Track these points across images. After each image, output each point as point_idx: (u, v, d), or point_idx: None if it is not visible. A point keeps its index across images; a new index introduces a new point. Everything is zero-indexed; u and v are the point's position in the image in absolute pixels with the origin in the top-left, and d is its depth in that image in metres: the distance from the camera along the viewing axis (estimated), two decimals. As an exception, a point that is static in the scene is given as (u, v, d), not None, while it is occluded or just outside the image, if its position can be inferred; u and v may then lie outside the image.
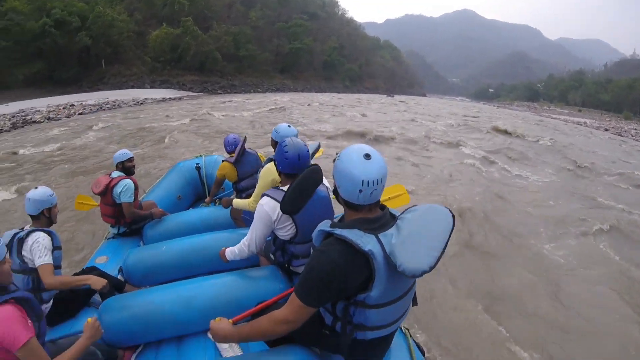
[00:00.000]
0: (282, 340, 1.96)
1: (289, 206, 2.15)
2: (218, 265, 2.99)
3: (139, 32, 51.06)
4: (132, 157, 4.16)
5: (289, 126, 3.37)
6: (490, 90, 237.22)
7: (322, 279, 1.43)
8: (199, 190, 5.44)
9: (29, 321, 1.74)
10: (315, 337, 1.81)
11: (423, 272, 1.35)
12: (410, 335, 2.14)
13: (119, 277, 3.25)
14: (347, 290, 1.47)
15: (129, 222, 4.04)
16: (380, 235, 1.44)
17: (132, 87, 44.19)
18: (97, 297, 2.88)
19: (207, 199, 4.58)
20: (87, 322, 1.97)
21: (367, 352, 1.70)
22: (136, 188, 4.02)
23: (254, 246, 2.44)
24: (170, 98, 37.26)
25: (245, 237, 2.47)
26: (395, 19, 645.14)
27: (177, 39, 51.43)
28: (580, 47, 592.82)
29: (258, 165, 4.16)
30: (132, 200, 3.89)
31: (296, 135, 3.06)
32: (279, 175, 2.54)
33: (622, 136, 36.57)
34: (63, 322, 2.68)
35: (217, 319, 1.79)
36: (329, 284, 1.43)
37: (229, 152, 4.44)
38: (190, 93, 45.08)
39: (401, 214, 1.56)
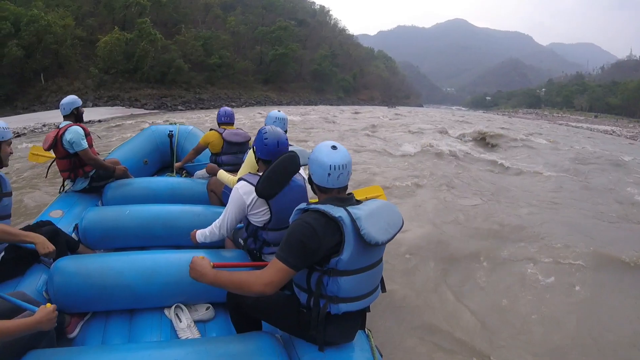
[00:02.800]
0: (247, 327, 2.06)
1: (263, 190, 2.24)
2: (183, 240, 2.82)
3: (91, 40, 42.46)
4: (81, 103, 3.85)
5: (279, 111, 3.41)
6: (487, 98, 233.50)
7: (300, 240, 1.61)
8: (167, 158, 5.20)
9: None
10: (290, 317, 1.86)
11: (377, 242, 1.63)
12: (372, 337, 2.03)
13: (73, 235, 3.04)
14: (321, 251, 1.63)
15: (90, 175, 3.78)
16: (349, 208, 1.69)
17: None
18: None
19: (177, 164, 4.56)
20: (44, 306, 1.73)
21: (339, 328, 1.79)
22: (87, 134, 3.66)
23: (225, 229, 2.46)
24: (111, 118, 29.35)
25: (217, 220, 2.47)
26: (388, 31, 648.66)
27: (132, 45, 42.72)
28: (572, 51, 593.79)
29: (245, 145, 4.09)
30: (87, 147, 3.57)
31: (285, 120, 3.32)
32: (256, 162, 2.52)
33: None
34: (10, 280, 2.39)
35: (201, 256, 1.86)
36: (306, 245, 1.60)
37: (221, 124, 4.33)
38: (144, 111, 36.38)
39: (365, 201, 1.83)
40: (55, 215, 3.26)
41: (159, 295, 2.38)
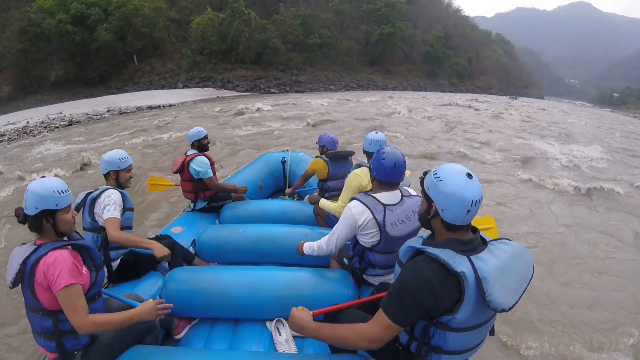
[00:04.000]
0: (343, 349, 2.00)
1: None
2: (290, 258, 3.03)
3: (188, 21, 40.87)
4: (207, 134, 4.20)
5: (377, 132, 3.43)
6: (615, 94, 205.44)
7: (414, 298, 1.44)
8: (280, 183, 5.55)
9: (84, 268, 1.86)
10: (387, 352, 1.75)
11: (503, 310, 1.39)
12: None
13: (191, 249, 3.35)
14: (435, 310, 1.47)
15: (210, 197, 4.20)
16: (473, 257, 1.44)
17: (163, 87, 33.67)
18: (165, 264, 2.95)
19: (288, 190, 4.80)
20: (147, 301, 1.96)
21: None
22: (212, 163, 4.11)
23: (333, 246, 2.46)
24: (193, 101, 26.23)
25: (327, 236, 2.48)
26: (506, 13, 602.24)
27: (226, 26, 40.11)
28: None
29: (349, 169, 3.83)
30: (212, 175, 3.99)
31: (382, 142, 3.30)
32: (371, 181, 2.52)
33: None
34: (128, 281, 2.72)
35: (299, 307, 1.84)
36: (420, 303, 1.44)
37: (322, 152, 4.43)
38: (234, 93, 33.34)
39: (493, 241, 1.57)
40: (175, 230, 3.59)
41: (261, 308, 2.51)
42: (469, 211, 1.46)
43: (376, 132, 3.41)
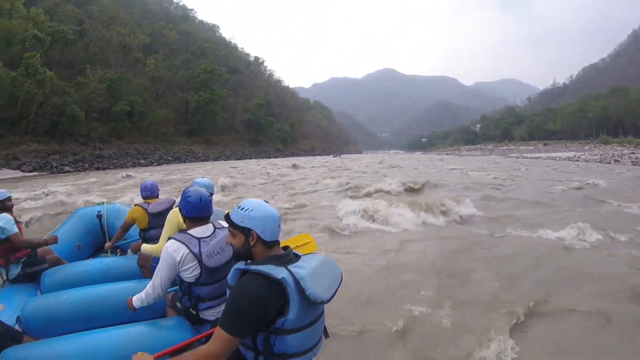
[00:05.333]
0: None
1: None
2: (123, 316, 2.90)
3: None
4: (10, 196, 4.09)
5: (202, 177, 3.72)
6: (423, 139, 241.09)
7: (245, 310, 1.59)
8: (99, 239, 5.29)
9: None
10: None
11: (322, 301, 1.65)
12: None
13: (17, 327, 3.11)
14: (267, 317, 1.62)
15: (23, 262, 3.91)
16: (290, 267, 1.68)
17: None
18: None
19: (108, 244, 4.59)
20: None
21: None
22: (17, 222, 3.89)
23: (159, 289, 2.46)
24: None
25: (151, 281, 2.49)
26: (322, 83, 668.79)
27: (18, 87, 33.49)
28: (495, 88, 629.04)
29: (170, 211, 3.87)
30: (17, 231, 3.76)
31: (211, 186, 3.54)
32: (184, 221, 2.62)
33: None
34: None
35: (139, 353, 1.84)
36: (251, 313, 1.59)
37: (144, 198, 4.37)
38: (18, 174, 27.04)
39: (303, 256, 1.84)
40: None
41: None
42: (279, 225, 1.80)
43: (202, 177, 3.70)
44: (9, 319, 3.11)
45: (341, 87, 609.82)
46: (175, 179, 21.40)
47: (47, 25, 38.68)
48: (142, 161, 38.25)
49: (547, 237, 7.12)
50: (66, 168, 29.76)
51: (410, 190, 13.91)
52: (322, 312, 1.84)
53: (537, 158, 48.00)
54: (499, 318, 3.90)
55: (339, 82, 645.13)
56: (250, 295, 1.60)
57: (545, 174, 21.34)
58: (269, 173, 24.75)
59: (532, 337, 3.61)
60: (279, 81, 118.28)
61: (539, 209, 9.91)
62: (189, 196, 2.54)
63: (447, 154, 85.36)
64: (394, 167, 30.84)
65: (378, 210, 8.80)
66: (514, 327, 3.75)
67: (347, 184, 15.62)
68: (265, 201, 1.82)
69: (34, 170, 28.12)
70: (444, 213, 8.78)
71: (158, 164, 38.80)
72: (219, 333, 1.63)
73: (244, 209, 1.77)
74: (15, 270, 3.87)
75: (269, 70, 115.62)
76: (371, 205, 9.15)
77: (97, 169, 31.80)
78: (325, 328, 1.93)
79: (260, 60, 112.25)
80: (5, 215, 3.75)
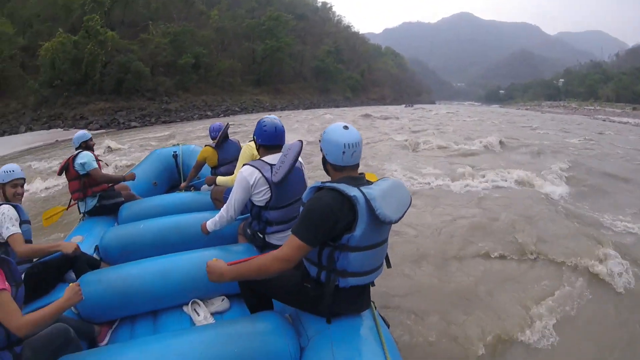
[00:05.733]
0: (260, 308, 2.20)
1: (280, 177, 2.44)
2: (197, 243, 3.00)
3: (38, 48, 33.05)
4: (91, 137, 4.28)
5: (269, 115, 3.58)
6: (501, 91, 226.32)
7: (318, 218, 1.71)
8: (175, 178, 5.50)
9: (6, 283, 1.84)
10: (298, 292, 1.98)
11: (391, 221, 1.74)
12: (376, 308, 2.14)
13: (95, 255, 3.24)
14: (336, 229, 1.73)
15: (99, 195, 4.08)
16: (362, 188, 1.76)
17: (4, 133, 27.03)
18: (71, 274, 2.86)
19: (183, 184, 4.80)
20: (69, 286, 1.97)
21: (346, 301, 1.91)
22: (97, 160, 4.11)
23: (232, 211, 2.63)
24: (20, 151, 19.81)
25: (225, 204, 2.66)
26: (394, 28, 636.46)
27: (80, 50, 33.40)
28: (581, 39, 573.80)
29: (238, 152, 4.08)
30: (97, 167, 4.00)
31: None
32: (257, 150, 2.77)
33: None
34: (36, 299, 2.61)
35: (214, 259, 1.93)
36: (323, 222, 1.70)
37: (213, 139, 4.52)
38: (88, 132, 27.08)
39: (376, 181, 1.93)
40: (75, 240, 3.36)
41: (176, 294, 2.55)
42: (344, 152, 1.82)
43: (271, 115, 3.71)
44: (88, 249, 3.19)
45: (414, 33, 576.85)
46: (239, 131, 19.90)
47: (106, -14, 37.93)
48: (209, 113, 37.89)
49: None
50: (132, 123, 29.71)
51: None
52: (386, 240, 1.92)
53: (625, 123, 40.96)
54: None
55: (411, 27, 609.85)
56: (324, 205, 1.70)
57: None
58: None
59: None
60: (348, 27, 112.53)
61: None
62: (265, 125, 2.65)
63: (527, 109, 77.76)
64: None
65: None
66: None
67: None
68: (345, 126, 1.86)
69: (101, 127, 28.13)
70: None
71: (225, 115, 38.21)
72: (291, 240, 1.73)
73: (324, 132, 1.91)
74: (92, 203, 4.03)
75: (338, 15, 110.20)
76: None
77: (164, 122, 31.58)
78: (387, 257, 2.05)
79: (329, 5, 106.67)
80: (87, 153, 4.02)
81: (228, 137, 4.46)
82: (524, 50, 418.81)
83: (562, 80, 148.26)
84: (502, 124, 28.32)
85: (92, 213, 4.04)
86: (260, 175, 2.48)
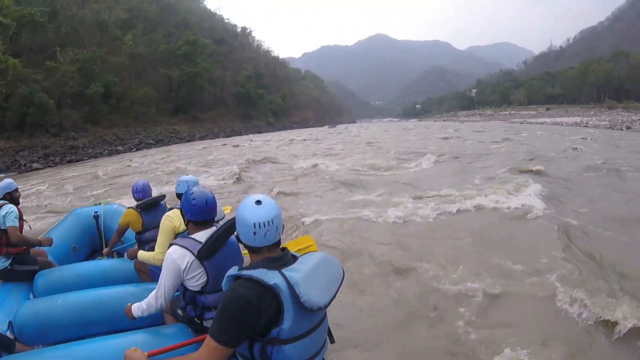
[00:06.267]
0: None
1: (205, 252, 2.24)
2: (121, 323, 2.80)
3: None
4: (17, 187, 4.07)
5: (187, 174, 3.73)
6: (418, 106, 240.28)
7: (234, 316, 1.50)
8: (96, 241, 5.21)
9: None
10: None
11: (319, 307, 1.54)
12: None
13: (8, 334, 3.03)
14: (259, 325, 1.53)
15: (13, 257, 3.80)
16: (284, 270, 1.56)
17: None
18: None
19: (106, 250, 4.48)
20: None
21: None
22: (21, 218, 3.87)
23: (162, 299, 2.36)
24: None
25: (154, 291, 2.39)
26: (313, 52, 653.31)
27: None
28: (490, 52, 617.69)
29: (163, 207, 4.14)
30: (17, 225, 3.71)
31: (194, 183, 3.25)
32: (186, 224, 2.53)
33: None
34: None
35: (133, 349, 1.82)
36: (241, 320, 1.50)
37: (137, 200, 4.24)
38: None
39: (300, 256, 1.73)
40: None
41: None
42: (255, 233, 1.59)
43: (187, 175, 3.60)
44: (1, 324, 3.05)
45: (332, 56, 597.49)
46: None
47: (13, 9, 33.83)
48: (120, 147, 34.00)
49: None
50: (34, 165, 25.36)
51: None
52: (324, 316, 1.75)
53: (542, 124, 46.00)
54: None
55: (330, 51, 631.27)
56: (240, 300, 1.50)
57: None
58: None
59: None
60: (268, 51, 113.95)
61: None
62: (194, 199, 2.39)
63: (444, 120, 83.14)
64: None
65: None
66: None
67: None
68: (258, 201, 1.63)
69: (0, 172, 24.55)
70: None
71: (137, 149, 34.90)
72: (208, 342, 1.56)
73: (239, 205, 1.72)
74: (3, 264, 3.75)
75: (258, 40, 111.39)
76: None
77: (70, 162, 27.45)
78: (330, 332, 1.88)
79: (248, 31, 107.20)
80: (12, 206, 3.72)
81: (158, 204, 4.19)
82: (437, 67, 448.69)
83: (475, 90, 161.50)
84: (432, 135, 30.47)
85: (2, 275, 3.75)
86: (193, 257, 2.24)
